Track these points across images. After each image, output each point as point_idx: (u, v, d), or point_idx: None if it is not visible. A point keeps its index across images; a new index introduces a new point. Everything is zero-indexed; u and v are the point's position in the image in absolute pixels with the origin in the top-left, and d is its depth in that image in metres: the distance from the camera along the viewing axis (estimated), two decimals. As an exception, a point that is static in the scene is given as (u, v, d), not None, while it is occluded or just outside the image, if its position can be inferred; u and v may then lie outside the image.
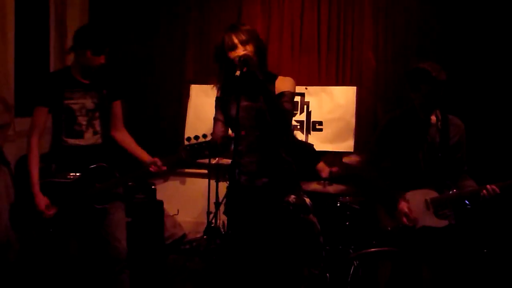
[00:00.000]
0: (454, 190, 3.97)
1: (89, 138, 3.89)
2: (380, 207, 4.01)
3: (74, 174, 3.83)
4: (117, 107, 4.01)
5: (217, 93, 3.56)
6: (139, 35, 6.62)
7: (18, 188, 3.96)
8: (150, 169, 3.78)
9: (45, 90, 3.85)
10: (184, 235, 6.18)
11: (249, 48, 3.32)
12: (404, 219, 3.85)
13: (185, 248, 6.01)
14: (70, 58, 3.99)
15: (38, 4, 5.83)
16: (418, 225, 3.86)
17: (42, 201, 3.73)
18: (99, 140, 3.92)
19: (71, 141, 3.86)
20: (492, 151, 5.58)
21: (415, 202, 3.91)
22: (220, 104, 3.55)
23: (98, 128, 3.91)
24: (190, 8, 6.63)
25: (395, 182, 3.96)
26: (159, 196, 5.71)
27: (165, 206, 5.67)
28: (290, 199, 3.46)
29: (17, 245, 4.73)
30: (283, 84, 3.44)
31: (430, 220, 3.88)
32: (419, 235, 3.86)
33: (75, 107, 3.84)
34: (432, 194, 3.93)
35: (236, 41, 3.32)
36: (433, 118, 3.97)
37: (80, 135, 3.87)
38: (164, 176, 6.59)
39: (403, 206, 3.88)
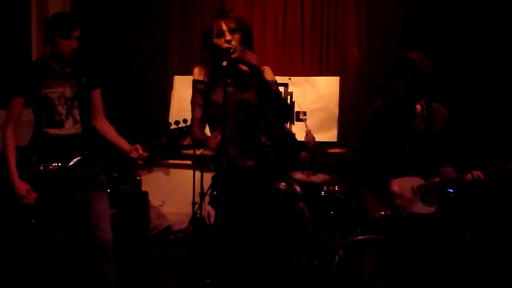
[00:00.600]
0: (438, 178, 4.01)
1: (70, 128, 3.87)
2: (368, 194, 4.03)
3: (56, 164, 3.82)
4: (97, 95, 3.98)
5: (198, 76, 3.54)
6: (123, 25, 6.59)
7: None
8: (131, 155, 3.76)
9: (21, 80, 3.82)
10: (169, 226, 6.18)
11: (236, 37, 3.32)
12: (398, 200, 3.88)
13: (170, 239, 6.01)
14: (47, 49, 3.96)
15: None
16: (405, 212, 3.90)
17: (22, 186, 3.69)
18: (79, 130, 3.90)
19: (52, 131, 3.84)
20: (477, 138, 5.64)
21: (403, 191, 3.94)
22: (201, 88, 3.53)
23: (78, 117, 3.88)
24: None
25: (381, 170, 3.99)
26: (143, 187, 5.69)
27: (150, 197, 5.66)
28: (280, 187, 3.48)
29: (2, 238, 4.71)
30: (268, 74, 3.46)
31: (417, 207, 3.92)
32: (406, 222, 3.89)
33: (53, 96, 3.81)
34: (419, 181, 3.97)
35: (224, 28, 3.32)
36: (418, 107, 4.00)
37: (61, 125, 3.84)
38: (148, 166, 6.59)
39: (395, 187, 3.92)
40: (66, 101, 3.84)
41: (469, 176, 3.79)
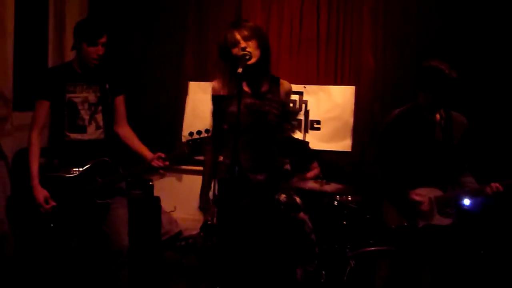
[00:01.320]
0: (457, 188, 3.99)
1: (92, 133, 3.88)
2: (386, 206, 4.00)
3: (77, 169, 3.82)
4: (120, 102, 4.00)
5: (216, 91, 3.54)
6: (138, 31, 6.61)
7: (15, 182, 3.94)
8: (153, 163, 3.77)
9: (46, 84, 3.84)
10: (180, 232, 6.16)
11: (252, 44, 3.31)
12: (422, 206, 3.84)
13: (181, 244, 5.99)
14: (69, 53, 3.99)
15: (37, -1, 5.82)
16: (421, 223, 3.86)
17: (40, 194, 3.71)
18: (102, 135, 3.91)
19: (74, 135, 3.86)
20: (495, 149, 5.59)
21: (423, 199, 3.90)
22: (219, 101, 3.53)
23: (101, 122, 3.90)
24: (188, 5, 6.61)
25: (399, 179, 3.95)
26: (156, 192, 5.69)
27: (162, 202, 5.65)
28: (280, 198, 3.47)
29: (13, 239, 4.72)
30: (289, 97, 3.54)
31: (434, 218, 3.89)
32: (422, 233, 3.85)
33: (77, 100, 3.84)
34: (437, 192, 3.94)
35: (238, 37, 3.32)
36: (437, 116, 3.97)
37: (83, 130, 3.86)
38: (166, 171, 6.58)
39: (415, 196, 3.88)
40: (89, 106, 3.86)
41: (488, 188, 3.76)
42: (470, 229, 4.30)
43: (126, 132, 4.01)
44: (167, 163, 3.78)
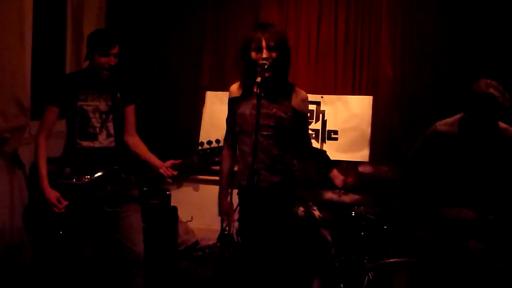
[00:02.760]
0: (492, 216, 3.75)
1: (103, 141, 3.90)
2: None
3: (88, 176, 3.83)
4: (130, 111, 4.01)
5: (234, 94, 3.54)
6: (156, 41, 6.63)
7: (32, 191, 3.94)
8: (161, 171, 3.76)
9: (57, 91, 3.87)
10: (197, 242, 6.15)
11: (273, 55, 3.29)
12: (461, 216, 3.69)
13: (197, 255, 5.97)
14: (86, 63, 4.00)
15: (56, 8, 5.85)
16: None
17: (52, 194, 3.73)
18: (113, 143, 3.93)
19: (85, 143, 3.88)
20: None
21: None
22: (233, 103, 3.54)
23: (112, 131, 3.92)
24: (206, 14, 6.63)
25: (432, 197, 3.85)
26: (173, 202, 5.67)
27: (179, 212, 5.64)
28: (298, 212, 3.43)
29: (30, 248, 4.73)
30: (302, 102, 3.46)
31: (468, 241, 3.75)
32: (453, 252, 3.72)
33: (89, 108, 3.86)
34: (471, 214, 3.74)
35: (263, 44, 3.29)
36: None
37: (94, 137, 3.88)
38: (178, 181, 6.58)
39: (450, 214, 3.73)
40: (100, 114, 3.88)
41: None
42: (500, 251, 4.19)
43: (135, 141, 4.02)
44: (175, 172, 3.77)
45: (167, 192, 5.62)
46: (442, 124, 3.89)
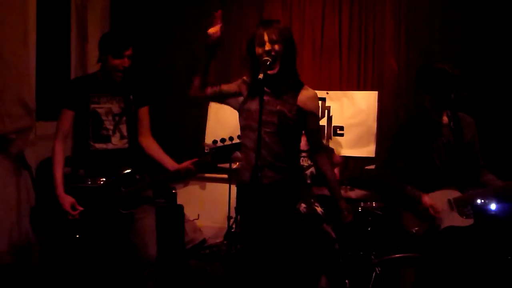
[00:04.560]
0: (478, 188, 3.94)
1: (116, 143, 3.89)
2: (403, 210, 3.96)
3: (103, 179, 3.82)
4: (144, 113, 3.99)
5: (246, 80, 3.52)
6: (160, 40, 6.64)
7: (39, 192, 3.94)
8: (183, 167, 3.77)
9: (71, 94, 3.86)
10: (204, 240, 6.15)
11: (277, 48, 3.27)
12: (431, 211, 3.80)
13: (205, 253, 5.98)
14: (91, 64, 4.00)
15: (60, 9, 5.86)
16: (443, 226, 3.81)
17: (66, 201, 3.70)
18: (126, 145, 3.91)
19: (98, 145, 3.87)
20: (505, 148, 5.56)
21: (438, 203, 3.86)
22: (243, 88, 3.52)
23: (125, 133, 3.91)
24: (211, 11, 6.61)
25: (414, 185, 3.92)
26: (179, 201, 5.68)
27: (185, 210, 5.65)
28: (301, 209, 3.42)
29: (38, 249, 4.74)
30: (309, 100, 3.42)
31: (455, 220, 3.83)
32: (444, 236, 3.81)
33: (101, 111, 3.85)
34: (454, 193, 3.89)
35: (265, 38, 3.28)
36: (445, 118, 3.95)
37: (107, 139, 3.87)
38: (186, 180, 6.59)
39: (426, 199, 3.85)
40: (113, 116, 3.87)
41: None
42: (493, 231, 4.24)
43: (149, 143, 4.00)
44: (194, 169, 3.78)
45: (173, 191, 5.63)
46: (406, 119, 4.23)
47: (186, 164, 3.78)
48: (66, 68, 5.93)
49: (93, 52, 3.91)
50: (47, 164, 3.83)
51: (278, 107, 3.34)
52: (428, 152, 3.92)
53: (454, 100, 3.87)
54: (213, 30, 3.37)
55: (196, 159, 3.78)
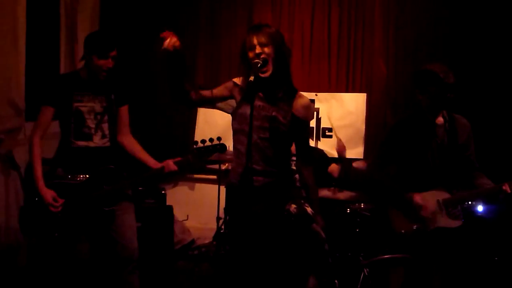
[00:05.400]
0: (467, 190, 3.96)
1: (98, 141, 3.91)
2: (392, 210, 3.99)
3: (83, 176, 3.84)
4: (124, 112, 4.03)
5: (238, 83, 3.50)
6: (150, 41, 6.62)
7: (28, 192, 3.94)
8: (164, 166, 3.80)
9: (53, 91, 3.87)
10: (193, 241, 6.15)
11: (267, 50, 3.27)
12: (422, 212, 3.83)
13: (193, 253, 5.98)
14: (81, 64, 4.01)
15: (49, 9, 5.86)
16: (431, 227, 3.84)
17: (47, 193, 3.72)
18: (108, 143, 3.94)
19: (80, 143, 3.88)
20: (501, 150, 5.59)
21: (427, 204, 3.89)
22: (235, 91, 3.49)
23: (106, 131, 3.93)
24: (200, 14, 6.64)
25: (405, 184, 3.95)
26: (168, 202, 5.68)
27: (174, 211, 5.65)
28: (291, 209, 3.43)
29: (26, 249, 4.73)
30: (302, 108, 3.41)
31: (444, 221, 3.86)
32: (433, 236, 3.83)
33: (84, 109, 3.86)
34: (443, 194, 3.92)
35: (255, 42, 3.28)
36: (440, 119, 3.97)
37: (89, 138, 3.89)
38: (173, 180, 6.59)
39: (417, 199, 3.88)
40: (95, 115, 3.89)
41: (506, 185, 3.72)
42: (480, 232, 4.27)
43: (129, 141, 4.04)
44: (176, 168, 3.81)
45: (163, 192, 5.63)
46: (401, 118, 4.16)
47: (168, 162, 3.80)
48: (55, 69, 5.92)
49: (82, 53, 3.91)
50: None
51: (273, 113, 3.34)
52: (421, 151, 3.95)
53: (449, 103, 3.90)
54: (169, 41, 3.39)
55: (179, 158, 3.81)
